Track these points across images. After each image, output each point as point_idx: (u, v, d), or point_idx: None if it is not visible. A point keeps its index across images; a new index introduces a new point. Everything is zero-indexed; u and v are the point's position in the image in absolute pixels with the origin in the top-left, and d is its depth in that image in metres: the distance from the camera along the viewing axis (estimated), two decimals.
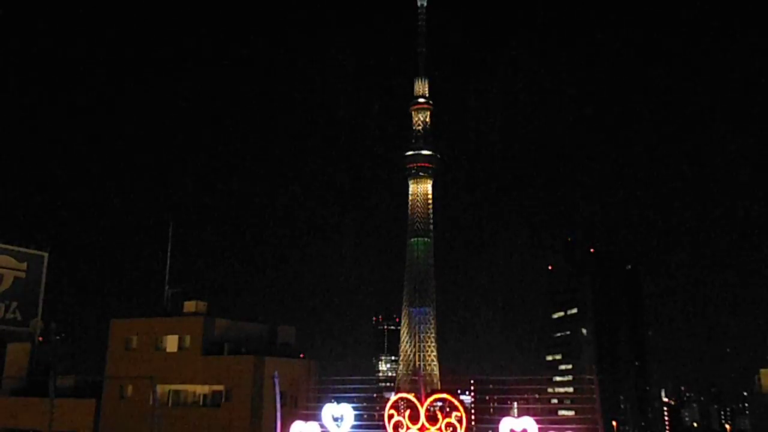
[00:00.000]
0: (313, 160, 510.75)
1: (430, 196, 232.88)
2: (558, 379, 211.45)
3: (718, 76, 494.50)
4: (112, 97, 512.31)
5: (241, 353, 47.13)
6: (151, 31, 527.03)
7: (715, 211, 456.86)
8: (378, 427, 31.11)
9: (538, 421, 25.88)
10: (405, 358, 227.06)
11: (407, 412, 28.07)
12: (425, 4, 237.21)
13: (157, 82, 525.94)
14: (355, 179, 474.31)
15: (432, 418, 27.48)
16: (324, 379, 48.32)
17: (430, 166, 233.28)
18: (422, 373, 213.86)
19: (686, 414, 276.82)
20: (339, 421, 28.73)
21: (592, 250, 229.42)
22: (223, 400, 46.23)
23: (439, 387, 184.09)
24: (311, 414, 31.65)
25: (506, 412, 33.05)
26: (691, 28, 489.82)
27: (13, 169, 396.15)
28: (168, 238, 56.42)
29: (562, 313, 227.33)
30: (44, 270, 72.01)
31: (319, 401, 36.72)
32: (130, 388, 48.74)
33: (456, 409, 27.17)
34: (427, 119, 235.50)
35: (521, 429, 25.61)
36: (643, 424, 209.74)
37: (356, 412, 29.79)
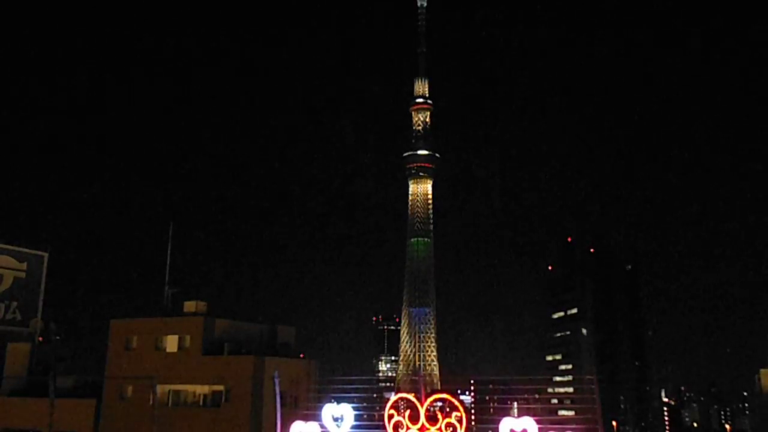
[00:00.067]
0: (313, 160, 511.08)
1: (430, 196, 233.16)
2: (558, 379, 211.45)
3: (718, 76, 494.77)
4: (113, 97, 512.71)
5: (241, 353, 47.12)
6: (152, 31, 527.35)
7: (715, 211, 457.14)
8: (378, 427, 31.09)
9: (538, 421, 25.86)
10: (405, 358, 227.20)
11: (407, 412, 28.05)
12: (425, 4, 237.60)
13: (157, 82, 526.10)
14: (355, 179, 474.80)
15: (432, 418, 27.46)
16: (324, 379, 48.36)
17: (430, 166, 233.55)
18: (422, 373, 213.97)
19: (686, 414, 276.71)
20: (339, 421, 28.72)
21: (592, 250, 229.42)
22: (223, 400, 46.22)
23: (439, 387, 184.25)
24: (311, 414, 31.63)
25: (506, 412, 33.01)
26: (692, 28, 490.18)
27: (13, 169, 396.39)
28: (168, 238, 56.48)
29: (562, 313, 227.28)
30: (44, 270, 72.04)
31: (319, 401, 36.71)
32: (130, 388, 48.67)
33: (456, 409, 27.15)
34: (427, 119, 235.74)
35: (521, 429, 25.59)
36: (643, 424, 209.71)
37: (356, 412, 29.77)
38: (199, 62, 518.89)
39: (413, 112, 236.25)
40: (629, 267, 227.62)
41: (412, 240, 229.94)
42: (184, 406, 47.35)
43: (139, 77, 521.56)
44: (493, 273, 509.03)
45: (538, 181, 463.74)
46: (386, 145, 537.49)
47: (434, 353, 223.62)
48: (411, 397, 28.47)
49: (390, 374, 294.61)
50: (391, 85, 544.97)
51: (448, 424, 27.09)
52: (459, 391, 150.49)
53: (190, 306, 51.42)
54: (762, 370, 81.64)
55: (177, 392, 47.97)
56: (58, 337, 64.19)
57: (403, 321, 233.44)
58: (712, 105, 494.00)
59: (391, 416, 28.49)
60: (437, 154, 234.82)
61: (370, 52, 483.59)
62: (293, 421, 29.40)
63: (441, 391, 28.81)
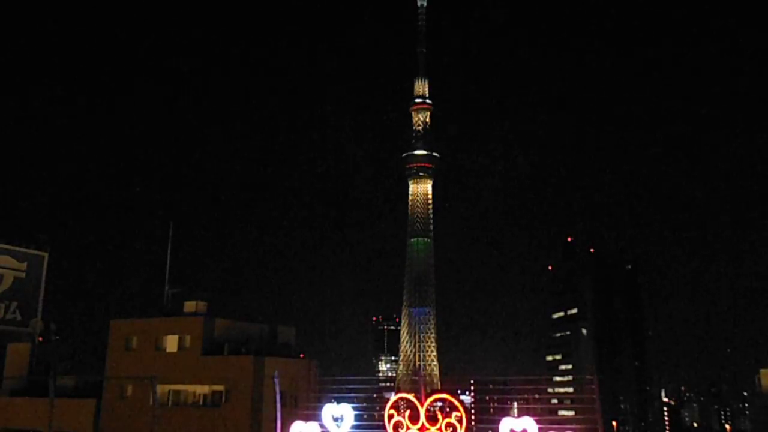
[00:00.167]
0: (313, 160, 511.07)
1: (430, 196, 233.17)
2: (558, 379, 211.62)
3: (718, 77, 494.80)
4: (113, 97, 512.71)
5: (241, 353, 47.08)
6: (152, 32, 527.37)
7: (715, 211, 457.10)
8: (378, 427, 31.03)
9: (538, 421, 25.79)
10: (405, 358, 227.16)
11: (407, 412, 28.01)
12: (425, 4, 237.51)
13: (157, 81, 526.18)
14: (355, 179, 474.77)
15: (432, 418, 27.42)
16: (324, 379, 48.26)
17: (430, 166, 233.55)
18: (422, 373, 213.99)
19: (686, 414, 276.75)
20: (339, 421, 28.67)
21: (592, 250, 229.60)
22: (223, 400, 46.18)
23: (439, 387, 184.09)
24: (311, 414, 31.58)
25: (506, 412, 33.07)
26: (691, 27, 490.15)
27: (13, 169, 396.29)
28: (168, 238, 56.44)
29: (562, 313, 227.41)
30: (44, 270, 72.04)
31: (319, 401, 36.63)
32: (130, 388, 48.64)
33: (456, 409, 27.11)
34: (427, 119, 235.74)
35: (521, 429, 25.52)
36: (643, 424, 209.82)
37: (356, 412, 29.71)
38: (199, 62, 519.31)
39: (413, 112, 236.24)
40: (629, 267, 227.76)
41: (412, 240, 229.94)
42: (184, 406, 47.29)
43: (139, 77, 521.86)
44: (493, 273, 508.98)
45: (538, 181, 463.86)
46: (386, 145, 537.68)
47: (434, 353, 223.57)
48: (411, 397, 28.43)
49: (390, 374, 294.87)
50: (391, 85, 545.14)
51: (448, 424, 27.05)
52: (459, 391, 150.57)
53: (190, 306, 51.40)
54: (762, 370, 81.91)
55: (177, 392, 47.93)
56: (58, 337, 64.23)
57: (403, 321, 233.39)
58: (712, 105, 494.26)
59: (391, 416, 28.45)
60: (437, 154, 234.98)
61: (370, 51, 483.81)
62: (293, 421, 29.34)
63: (441, 391, 28.74)
